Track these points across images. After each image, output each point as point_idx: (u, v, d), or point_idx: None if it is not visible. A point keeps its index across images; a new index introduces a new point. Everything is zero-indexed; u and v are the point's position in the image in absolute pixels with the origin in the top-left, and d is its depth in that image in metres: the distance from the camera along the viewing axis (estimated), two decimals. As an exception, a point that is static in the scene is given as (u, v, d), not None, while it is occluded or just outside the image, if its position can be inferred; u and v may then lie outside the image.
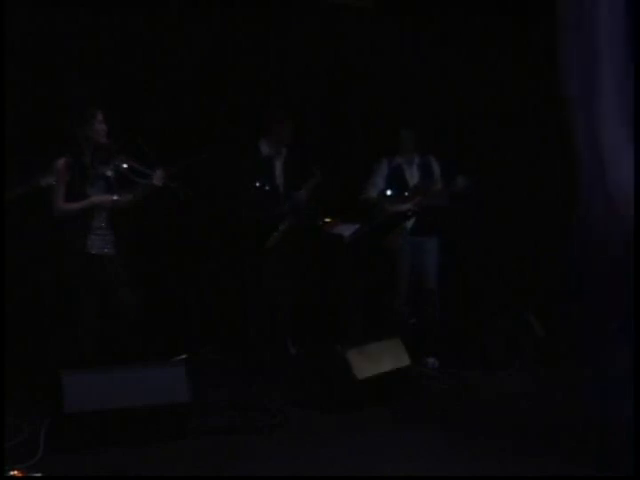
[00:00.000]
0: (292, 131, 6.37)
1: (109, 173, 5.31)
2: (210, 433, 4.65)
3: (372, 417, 5.00)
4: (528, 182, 7.39)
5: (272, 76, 7.08)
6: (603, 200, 4.20)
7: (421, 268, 6.49)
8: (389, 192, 6.41)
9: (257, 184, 6.17)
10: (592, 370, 4.42)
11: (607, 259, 4.26)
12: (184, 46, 6.74)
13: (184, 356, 6.48)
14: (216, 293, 7.02)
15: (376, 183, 6.56)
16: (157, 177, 5.30)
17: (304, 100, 7.14)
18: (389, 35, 7.34)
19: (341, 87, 7.39)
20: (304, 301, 7.20)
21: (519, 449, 4.37)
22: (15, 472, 3.77)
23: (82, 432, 4.28)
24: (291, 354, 6.52)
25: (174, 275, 6.84)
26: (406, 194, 6.38)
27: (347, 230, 6.58)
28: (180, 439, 4.49)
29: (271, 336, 6.34)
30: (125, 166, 5.28)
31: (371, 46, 7.35)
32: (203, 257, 6.96)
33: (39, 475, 3.84)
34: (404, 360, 5.47)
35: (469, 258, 7.46)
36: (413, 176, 6.55)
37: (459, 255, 7.38)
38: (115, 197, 5.27)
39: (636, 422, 4.31)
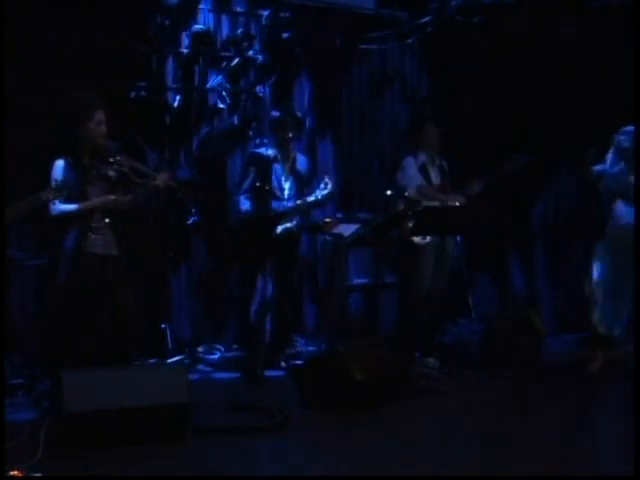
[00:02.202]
0: (297, 136, 6.35)
1: (111, 173, 5.26)
2: (210, 433, 4.65)
3: (372, 417, 4.99)
4: (528, 182, 7.40)
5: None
6: None
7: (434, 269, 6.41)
8: (389, 192, 6.37)
9: (257, 184, 6.15)
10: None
11: None
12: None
13: (184, 356, 6.50)
14: (216, 293, 7.03)
15: (415, 177, 6.35)
16: (158, 178, 5.29)
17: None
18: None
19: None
20: (303, 300, 7.22)
21: (519, 449, 4.37)
22: (15, 472, 3.76)
23: (82, 432, 4.28)
24: (290, 354, 6.52)
25: (174, 275, 6.84)
26: (406, 194, 6.31)
27: (347, 230, 6.57)
28: (180, 439, 4.49)
29: (271, 336, 6.33)
30: (126, 167, 5.25)
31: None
32: (203, 257, 6.96)
33: (39, 475, 3.84)
34: (402, 360, 5.47)
35: (470, 258, 7.45)
36: (436, 176, 6.46)
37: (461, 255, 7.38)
38: (113, 197, 5.21)
39: (636, 423, 4.32)
